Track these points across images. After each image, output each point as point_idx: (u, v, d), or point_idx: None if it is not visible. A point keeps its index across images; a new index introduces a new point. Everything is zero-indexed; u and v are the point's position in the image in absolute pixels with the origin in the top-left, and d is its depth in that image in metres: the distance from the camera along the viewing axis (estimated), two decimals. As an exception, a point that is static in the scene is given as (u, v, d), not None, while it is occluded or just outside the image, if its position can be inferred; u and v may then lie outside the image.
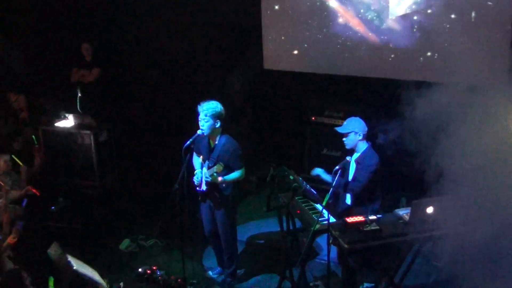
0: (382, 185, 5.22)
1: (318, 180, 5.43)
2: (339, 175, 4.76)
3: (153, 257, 6.15)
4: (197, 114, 5.17)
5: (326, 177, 5.26)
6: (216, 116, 5.12)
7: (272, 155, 7.88)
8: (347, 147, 5.17)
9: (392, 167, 5.81)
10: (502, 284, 3.81)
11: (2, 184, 5.53)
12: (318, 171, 5.37)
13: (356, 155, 5.16)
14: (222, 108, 5.16)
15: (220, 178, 5.16)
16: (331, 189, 4.74)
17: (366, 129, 5.14)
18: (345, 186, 5.14)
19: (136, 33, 8.20)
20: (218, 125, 5.17)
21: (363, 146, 5.13)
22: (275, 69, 7.72)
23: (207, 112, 5.09)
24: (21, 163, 6.37)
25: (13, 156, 6.30)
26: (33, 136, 6.86)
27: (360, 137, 5.10)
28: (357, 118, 5.23)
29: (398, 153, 5.14)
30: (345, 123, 5.23)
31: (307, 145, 7.44)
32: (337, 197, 5.24)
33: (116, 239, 6.45)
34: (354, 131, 5.10)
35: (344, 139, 5.16)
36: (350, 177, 5.16)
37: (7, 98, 7.55)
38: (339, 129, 5.19)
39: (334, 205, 5.23)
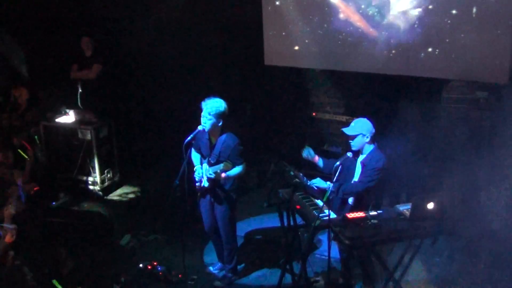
0: (384, 189, 5.07)
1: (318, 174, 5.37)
2: (339, 171, 4.73)
3: (153, 252, 6.15)
4: (198, 110, 5.17)
5: (323, 184, 5.00)
6: (219, 115, 5.13)
7: (273, 150, 7.88)
8: (354, 149, 5.00)
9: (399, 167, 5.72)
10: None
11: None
12: (316, 181, 5.09)
13: (362, 157, 5.02)
14: (226, 107, 5.16)
15: (223, 175, 5.16)
16: (332, 185, 4.73)
17: (373, 130, 4.98)
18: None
19: (136, 28, 8.18)
20: (220, 123, 5.18)
21: (369, 147, 4.99)
22: (276, 65, 7.71)
23: (211, 110, 5.09)
24: (26, 156, 6.38)
25: (19, 150, 6.32)
26: (36, 136, 6.88)
27: (368, 139, 4.95)
28: (365, 120, 5.04)
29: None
30: (352, 124, 5.04)
31: (307, 140, 7.44)
32: (342, 200, 5.13)
33: (117, 234, 6.46)
34: (362, 133, 4.95)
35: (350, 141, 4.99)
36: (356, 179, 5.02)
37: (11, 95, 7.57)
38: (347, 131, 5.00)
39: (338, 205, 5.17)
